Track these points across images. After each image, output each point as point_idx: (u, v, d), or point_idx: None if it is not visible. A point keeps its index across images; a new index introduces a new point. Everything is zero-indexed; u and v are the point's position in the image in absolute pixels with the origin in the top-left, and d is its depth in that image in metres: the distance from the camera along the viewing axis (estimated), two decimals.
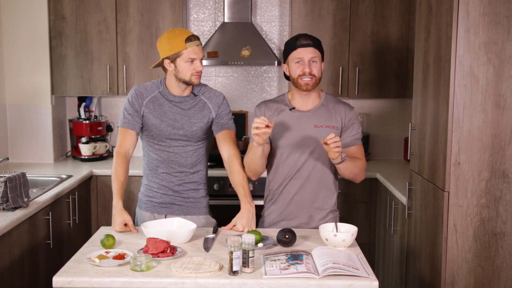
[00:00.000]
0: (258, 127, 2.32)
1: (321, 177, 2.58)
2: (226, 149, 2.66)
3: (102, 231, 2.44)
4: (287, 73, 2.57)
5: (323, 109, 2.58)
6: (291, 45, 2.52)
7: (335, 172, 2.62)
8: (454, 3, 2.38)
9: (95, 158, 4.23)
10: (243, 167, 2.61)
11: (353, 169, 2.51)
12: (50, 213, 3.07)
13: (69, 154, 4.41)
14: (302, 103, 2.58)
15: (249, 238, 1.96)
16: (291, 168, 2.57)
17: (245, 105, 4.46)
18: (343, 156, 2.40)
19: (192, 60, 2.54)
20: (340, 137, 2.56)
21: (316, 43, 2.52)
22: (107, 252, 2.13)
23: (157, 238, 2.16)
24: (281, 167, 2.60)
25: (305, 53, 2.48)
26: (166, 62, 2.57)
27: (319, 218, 2.60)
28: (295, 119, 2.57)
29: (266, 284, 1.92)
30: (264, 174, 2.70)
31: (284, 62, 2.57)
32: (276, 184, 2.62)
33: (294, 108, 2.58)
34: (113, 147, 4.36)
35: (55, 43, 4.05)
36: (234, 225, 2.47)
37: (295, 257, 2.09)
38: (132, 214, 2.73)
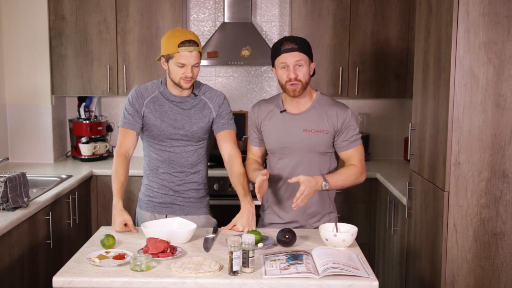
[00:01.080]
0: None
1: None
2: (227, 149, 2.66)
3: (102, 231, 2.44)
4: (276, 77, 2.53)
5: (314, 112, 2.53)
6: (276, 50, 2.46)
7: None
8: (454, 3, 2.38)
9: (95, 158, 4.23)
10: (243, 167, 2.61)
11: (343, 183, 2.50)
12: (50, 213, 3.07)
13: (69, 154, 4.41)
14: (293, 106, 2.55)
15: (249, 238, 1.96)
16: (282, 173, 2.56)
17: (245, 105, 4.46)
18: (323, 186, 2.39)
19: (182, 65, 2.52)
20: (334, 140, 2.54)
21: (301, 47, 2.43)
22: (107, 252, 2.13)
23: (157, 238, 2.16)
24: (273, 172, 2.60)
25: (289, 58, 2.41)
26: (162, 60, 2.59)
27: (315, 221, 2.60)
28: (285, 122, 2.54)
29: (266, 284, 1.92)
30: None
31: (273, 66, 2.52)
32: (272, 187, 2.62)
33: (285, 110, 2.55)
34: (113, 147, 4.36)
35: (55, 43, 4.05)
36: (234, 225, 2.47)
37: (295, 257, 2.09)
38: (132, 214, 2.73)
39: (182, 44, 2.50)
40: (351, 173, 2.50)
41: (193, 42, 2.51)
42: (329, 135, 2.52)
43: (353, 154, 2.54)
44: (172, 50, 2.51)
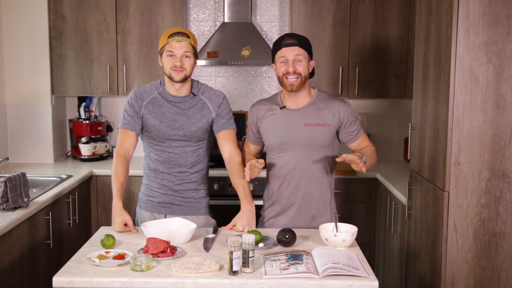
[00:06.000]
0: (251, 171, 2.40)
1: (315, 176, 2.57)
2: (227, 149, 2.66)
3: (102, 231, 2.44)
4: (275, 73, 2.57)
5: (313, 107, 2.56)
6: (276, 45, 2.54)
7: (330, 171, 2.62)
8: (454, 3, 2.38)
9: (95, 158, 4.23)
10: (243, 167, 2.61)
11: (372, 158, 2.54)
12: (50, 213, 3.07)
13: (69, 154, 4.41)
14: (292, 102, 2.58)
15: (249, 238, 1.97)
16: (284, 169, 2.58)
17: (245, 105, 4.46)
18: (364, 159, 2.39)
19: (171, 55, 2.56)
20: (338, 134, 2.58)
21: (301, 42, 2.50)
22: (107, 252, 2.13)
23: (157, 238, 2.16)
24: (275, 168, 2.61)
25: (288, 52, 2.48)
26: (159, 58, 2.64)
27: (318, 218, 2.60)
28: (285, 118, 2.56)
29: (266, 284, 1.92)
30: (264, 174, 2.70)
31: (273, 62, 2.58)
32: (273, 184, 2.63)
33: (284, 107, 2.57)
34: (113, 147, 4.36)
35: (55, 43, 4.05)
36: (234, 225, 2.47)
37: (295, 257, 2.09)
38: (132, 214, 2.73)
39: (172, 35, 2.57)
40: (372, 150, 2.58)
41: (183, 33, 2.57)
42: (331, 128, 2.55)
43: (362, 140, 2.62)
44: (163, 43, 2.58)
